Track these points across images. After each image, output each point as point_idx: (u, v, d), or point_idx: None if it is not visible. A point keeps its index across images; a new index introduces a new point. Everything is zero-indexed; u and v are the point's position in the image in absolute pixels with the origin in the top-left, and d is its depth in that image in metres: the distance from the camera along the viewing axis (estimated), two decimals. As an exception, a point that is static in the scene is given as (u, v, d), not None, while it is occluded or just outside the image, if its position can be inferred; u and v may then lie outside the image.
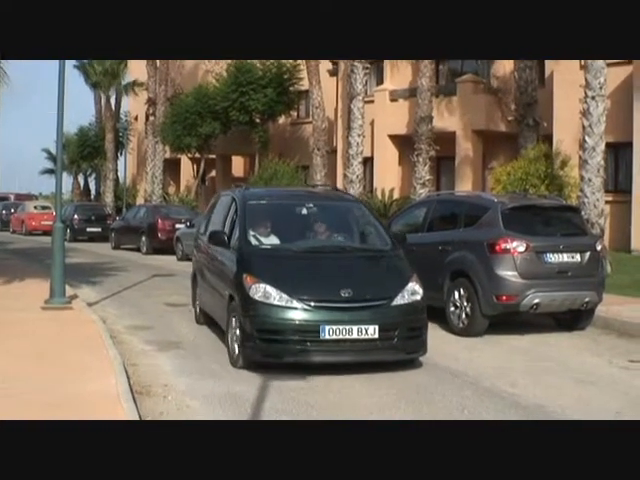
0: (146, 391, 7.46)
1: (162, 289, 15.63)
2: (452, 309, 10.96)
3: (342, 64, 29.41)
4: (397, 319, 8.25)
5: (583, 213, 14.69)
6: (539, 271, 10.55)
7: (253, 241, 9.07)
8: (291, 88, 32.70)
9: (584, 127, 16.44)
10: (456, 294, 10.92)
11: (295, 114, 35.16)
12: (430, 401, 7.38)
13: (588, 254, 10.89)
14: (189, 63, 40.91)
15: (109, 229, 30.06)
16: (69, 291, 12.75)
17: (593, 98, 16.33)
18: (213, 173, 40.74)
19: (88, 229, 32.63)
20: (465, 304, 10.76)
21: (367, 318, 8.10)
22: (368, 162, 28.39)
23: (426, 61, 24.09)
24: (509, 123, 24.66)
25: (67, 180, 53.17)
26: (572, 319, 11.25)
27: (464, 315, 10.78)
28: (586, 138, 16.38)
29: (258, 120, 33.20)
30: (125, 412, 6.16)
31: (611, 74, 17.58)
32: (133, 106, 48.06)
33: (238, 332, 8.36)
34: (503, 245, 10.51)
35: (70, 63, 44.28)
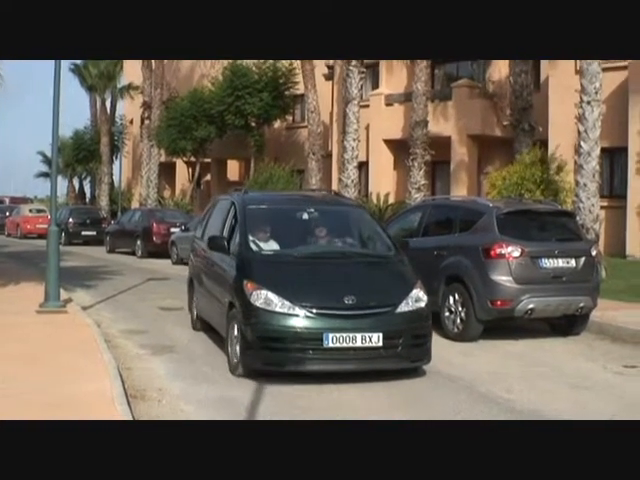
0: (140, 395, 7.44)
1: (157, 293, 15.60)
2: (447, 314, 10.95)
3: (338, 68, 29.43)
4: (401, 327, 8.08)
5: (578, 218, 14.71)
6: (534, 276, 10.56)
7: (253, 247, 8.83)
8: (286, 92, 32.72)
9: (579, 132, 16.45)
10: (451, 299, 10.91)
11: (290, 118, 35.16)
12: (425, 405, 7.37)
13: (583, 259, 10.90)
14: (185, 66, 40.92)
15: (104, 233, 29.97)
16: (64, 295, 12.73)
17: (588, 103, 16.35)
18: (208, 177, 40.70)
19: (83, 232, 32.51)
20: (460, 309, 10.76)
21: (371, 326, 7.91)
22: (363, 166, 28.37)
23: (422, 65, 24.12)
24: (504, 128, 24.72)
25: (62, 183, 53.05)
26: (567, 324, 11.24)
27: (459, 320, 10.77)
28: (581, 143, 16.39)
29: (253, 124, 33.21)
30: (120, 416, 6.15)
31: (606, 79, 17.62)
32: (128, 110, 48.02)
33: (238, 339, 8.16)
34: (498, 250, 10.51)
35: (65, 66, 44.34)
